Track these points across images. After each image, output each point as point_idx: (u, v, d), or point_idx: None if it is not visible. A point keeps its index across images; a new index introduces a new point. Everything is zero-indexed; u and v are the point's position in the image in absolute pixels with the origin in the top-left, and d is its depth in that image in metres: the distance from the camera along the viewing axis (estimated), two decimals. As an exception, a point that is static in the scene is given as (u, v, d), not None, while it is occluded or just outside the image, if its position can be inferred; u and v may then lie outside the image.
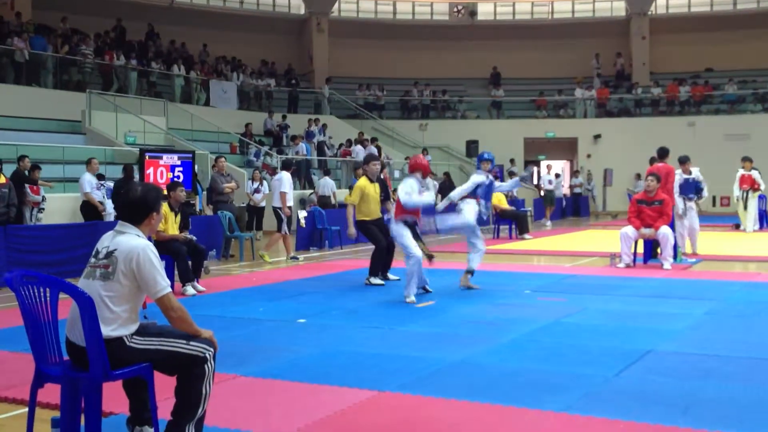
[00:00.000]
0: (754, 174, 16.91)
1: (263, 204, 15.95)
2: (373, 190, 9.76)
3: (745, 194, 16.87)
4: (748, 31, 29.84)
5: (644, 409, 4.37)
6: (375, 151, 23.94)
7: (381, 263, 9.71)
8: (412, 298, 8.17)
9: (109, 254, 3.62)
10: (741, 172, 16.98)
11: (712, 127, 27.02)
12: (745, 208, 17.01)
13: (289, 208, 12.75)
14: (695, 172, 12.54)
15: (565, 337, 6.39)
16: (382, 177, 10.39)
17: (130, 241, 3.63)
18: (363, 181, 9.81)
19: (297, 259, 12.66)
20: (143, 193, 3.77)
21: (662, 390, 4.78)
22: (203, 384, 3.61)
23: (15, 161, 13.22)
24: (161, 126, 19.82)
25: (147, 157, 13.06)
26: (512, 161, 26.59)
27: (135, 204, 3.74)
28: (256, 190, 15.56)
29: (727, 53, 29.93)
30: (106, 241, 3.71)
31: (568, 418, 4.27)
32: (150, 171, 12.96)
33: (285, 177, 12.70)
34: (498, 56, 31.20)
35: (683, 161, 12.54)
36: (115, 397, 4.08)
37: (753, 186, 16.79)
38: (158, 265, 3.63)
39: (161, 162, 13.22)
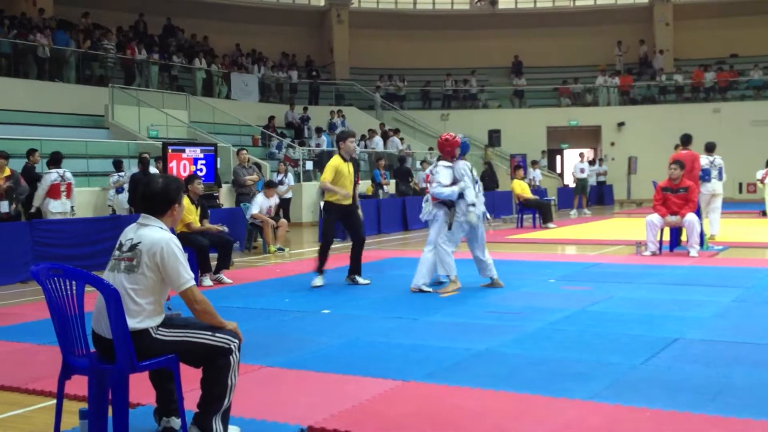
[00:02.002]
0: None
1: (289, 195, 16.07)
2: (347, 169, 8.78)
3: None
4: (773, 15, 29.39)
5: (672, 397, 4.33)
6: (398, 143, 23.93)
7: (325, 259, 8.87)
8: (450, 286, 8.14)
9: (133, 247, 3.63)
10: None
11: (737, 113, 26.68)
12: None
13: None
14: (717, 159, 12.90)
15: (590, 325, 6.34)
16: (356, 158, 9.52)
17: (153, 234, 3.64)
18: (336, 160, 8.80)
19: (282, 250, 12.54)
20: (165, 185, 3.77)
21: (690, 378, 4.73)
22: (228, 375, 3.62)
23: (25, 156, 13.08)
24: (183, 119, 19.94)
25: (170, 151, 13.14)
26: (543, 152, 26.45)
27: (157, 196, 3.74)
28: (281, 182, 15.62)
29: (751, 38, 29.49)
30: (129, 234, 3.72)
31: (595, 407, 4.24)
32: (173, 164, 13.04)
33: (258, 198, 12.66)
34: (519, 45, 30.99)
35: (710, 148, 13.03)
36: (141, 389, 4.11)
37: None
38: (182, 257, 3.64)
39: (184, 155, 13.29)
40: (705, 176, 13.11)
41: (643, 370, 4.96)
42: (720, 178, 13.59)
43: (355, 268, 8.98)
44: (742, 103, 27.65)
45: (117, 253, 3.71)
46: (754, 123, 25.58)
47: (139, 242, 3.63)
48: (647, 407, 4.17)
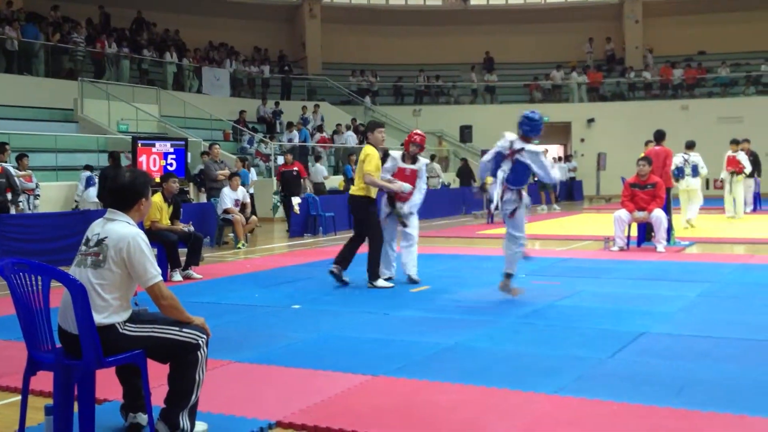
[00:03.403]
0: (740, 156, 16.10)
1: (251, 190, 15.76)
2: (379, 161, 8.31)
3: (731, 177, 16.01)
4: (740, 14, 29.80)
5: (638, 391, 4.38)
6: (353, 137, 23.97)
7: (379, 259, 8.28)
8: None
9: (100, 242, 3.60)
10: (728, 153, 16.20)
11: (705, 110, 27.05)
12: (731, 191, 16.12)
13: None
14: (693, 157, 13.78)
15: (559, 320, 6.41)
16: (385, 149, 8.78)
17: (120, 229, 3.61)
18: (372, 150, 8.27)
19: (239, 248, 12.47)
20: (131, 179, 3.74)
21: (656, 372, 4.80)
22: (196, 371, 3.61)
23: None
24: (154, 114, 19.75)
25: (139, 145, 13.02)
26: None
27: (124, 190, 3.71)
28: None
29: (719, 36, 29.90)
30: (96, 229, 3.69)
31: (562, 400, 4.28)
32: (143, 159, 12.93)
33: (225, 191, 12.62)
34: (491, 41, 31.11)
35: (689, 146, 14.11)
36: (108, 384, 4.07)
37: (738, 169, 15.93)
38: (149, 253, 3.61)
39: (154, 150, 13.20)
40: (679, 174, 13.66)
41: (610, 364, 5.02)
42: (694, 174, 13.94)
43: (344, 260, 8.41)
44: (709, 100, 28.03)
45: (83, 248, 3.67)
46: (721, 120, 25.96)
47: (106, 237, 3.60)
48: (614, 401, 4.22)
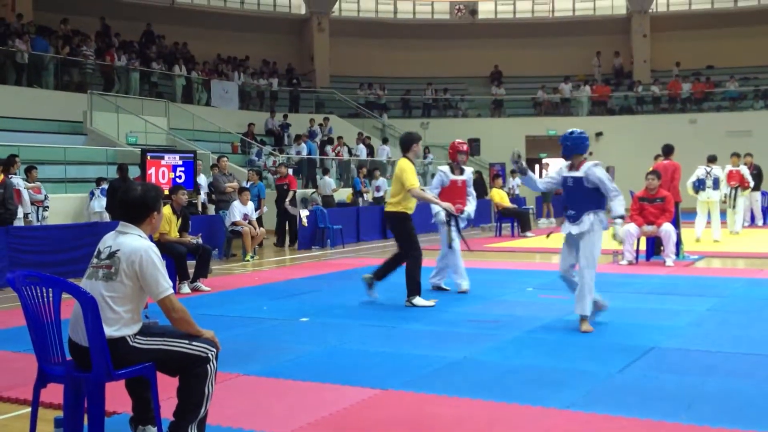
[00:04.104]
0: (743, 170, 15.85)
1: (266, 208, 15.78)
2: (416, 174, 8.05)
3: (733, 192, 15.54)
4: (749, 28, 29.79)
5: (647, 406, 4.37)
6: (388, 151, 24.10)
7: (418, 277, 7.90)
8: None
9: (112, 255, 3.62)
10: (728, 167, 15.80)
11: (713, 124, 26.99)
12: (734, 207, 15.68)
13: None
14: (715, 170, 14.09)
15: (567, 334, 6.39)
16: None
17: (132, 242, 3.63)
18: (409, 164, 7.94)
19: (247, 260, 12.47)
20: (143, 193, 3.76)
21: (665, 386, 4.78)
22: (206, 384, 3.61)
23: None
24: (162, 126, 19.85)
25: (148, 158, 13.07)
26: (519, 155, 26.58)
27: (135, 204, 3.73)
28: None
29: (728, 50, 29.87)
30: (108, 242, 3.71)
31: (571, 415, 4.27)
32: (152, 171, 12.97)
33: (235, 204, 12.70)
34: (499, 55, 31.17)
35: (710, 159, 14.35)
36: (118, 397, 4.08)
37: (742, 183, 15.64)
38: (161, 266, 3.63)
39: (163, 162, 13.22)
40: (700, 186, 13.75)
41: (619, 379, 5.00)
42: (715, 188, 13.96)
43: (382, 274, 8.14)
44: (718, 114, 27.98)
45: (95, 260, 3.69)
46: (729, 134, 25.88)
47: (118, 250, 3.62)
48: (623, 415, 4.21)
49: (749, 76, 29.10)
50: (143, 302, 3.71)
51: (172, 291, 3.63)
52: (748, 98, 28.63)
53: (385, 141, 25.13)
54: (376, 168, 20.32)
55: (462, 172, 8.81)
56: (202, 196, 14.72)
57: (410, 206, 8.03)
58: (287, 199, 15.05)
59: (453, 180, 8.73)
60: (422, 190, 8.21)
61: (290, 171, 17.91)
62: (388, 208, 8.15)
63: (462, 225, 8.71)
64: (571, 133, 6.75)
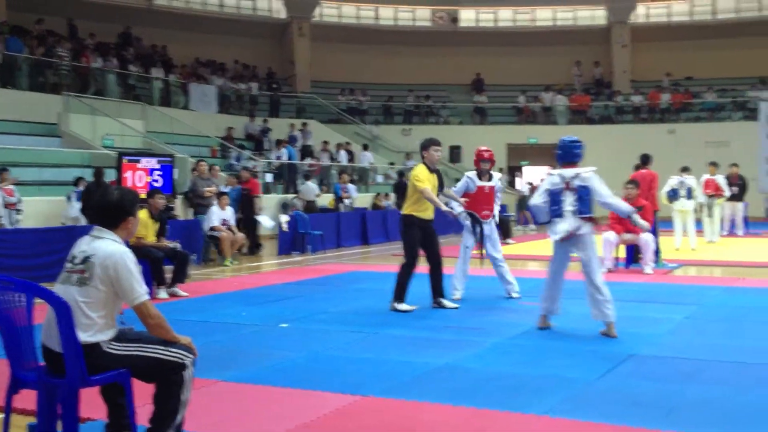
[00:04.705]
0: (719, 179, 16.01)
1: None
2: (433, 180, 7.95)
3: (709, 200, 15.72)
4: (727, 40, 30.13)
5: (626, 413, 4.37)
6: (369, 157, 24.13)
7: (406, 284, 7.95)
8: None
9: (86, 259, 3.56)
10: (705, 176, 16.03)
11: (692, 134, 27.25)
12: (710, 215, 15.87)
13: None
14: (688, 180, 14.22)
15: (547, 340, 6.40)
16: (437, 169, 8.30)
17: (107, 247, 3.57)
18: (423, 169, 7.92)
19: (226, 266, 12.40)
20: (119, 197, 3.71)
21: (644, 394, 4.79)
22: (182, 391, 3.56)
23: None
24: (139, 129, 19.67)
25: (125, 161, 12.96)
26: (501, 170, 26.67)
27: (111, 208, 3.68)
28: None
29: (706, 62, 30.19)
30: (82, 246, 3.64)
31: (550, 422, 4.27)
32: (128, 175, 12.86)
33: (213, 209, 12.61)
34: (481, 62, 31.28)
35: (684, 169, 14.48)
36: (92, 403, 4.00)
37: (717, 192, 15.84)
38: (136, 271, 3.57)
39: (139, 165, 13.14)
40: (674, 195, 13.92)
41: (599, 386, 5.00)
42: (689, 197, 14.10)
43: (439, 290, 8.10)
44: (696, 125, 28.25)
45: (69, 265, 3.62)
46: (707, 144, 26.14)
47: (92, 255, 3.56)
48: (602, 422, 4.21)
49: (727, 87, 29.44)
50: (118, 308, 3.66)
51: (147, 297, 3.58)
52: (726, 109, 28.95)
53: (365, 147, 25.13)
54: (344, 172, 20.31)
55: (490, 178, 8.75)
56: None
57: (422, 210, 7.93)
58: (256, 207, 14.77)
59: (480, 186, 8.69)
60: (446, 192, 8.30)
61: (259, 176, 17.78)
62: (402, 211, 8.18)
63: (486, 232, 8.71)
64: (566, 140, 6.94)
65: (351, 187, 19.52)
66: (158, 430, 3.56)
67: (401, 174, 22.74)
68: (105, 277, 3.51)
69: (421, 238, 8.01)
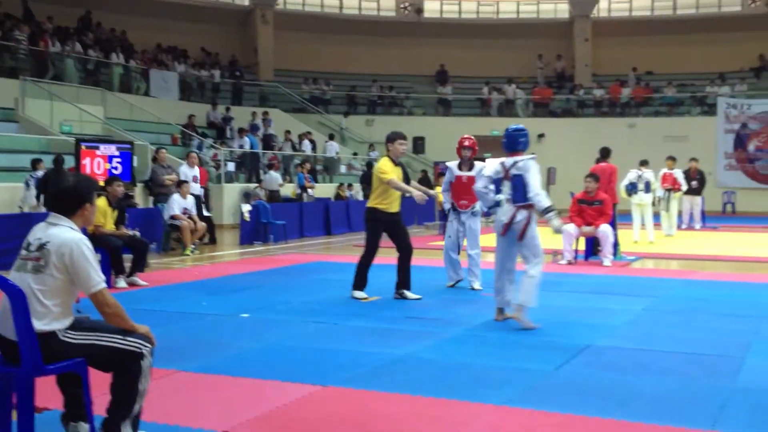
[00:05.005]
0: (676, 173, 16.32)
1: (198, 191, 14.38)
2: (398, 173, 8.01)
3: (667, 194, 16.03)
4: (687, 36, 30.60)
5: (582, 403, 4.44)
6: (336, 147, 24.08)
7: (365, 273, 8.06)
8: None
9: (41, 246, 3.50)
10: (663, 170, 16.20)
11: (651, 128, 27.66)
12: (668, 209, 16.17)
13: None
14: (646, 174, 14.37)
15: (507, 332, 6.46)
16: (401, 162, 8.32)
17: (63, 234, 3.51)
18: (388, 162, 7.98)
19: (187, 255, 12.31)
20: (75, 183, 3.65)
21: (601, 384, 4.87)
22: (139, 380, 3.53)
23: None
24: (99, 115, 19.34)
25: (83, 147, 12.74)
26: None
27: (67, 195, 3.61)
28: (194, 179, 14.12)
29: (666, 57, 30.64)
30: (38, 233, 3.58)
31: (509, 411, 4.32)
32: (86, 161, 12.65)
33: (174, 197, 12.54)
34: (444, 54, 31.35)
35: (642, 163, 14.60)
36: (48, 393, 3.95)
37: (674, 186, 16.16)
38: (92, 259, 3.52)
39: (98, 152, 12.93)
40: (632, 189, 14.15)
41: (557, 376, 5.07)
42: (647, 191, 14.33)
43: (405, 281, 8.10)
44: (655, 119, 28.69)
45: (24, 252, 3.56)
46: (666, 138, 26.55)
47: (48, 242, 3.50)
48: (560, 412, 4.28)
49: (686, 82, 29.92)
50: (74, 296, 3.60)
51: (104, 285, 3.53)
52: (685, 104, 29.43)
53: (331, 137, 25.05)
54: (306, 161, 20.20)
55: (471, 167, 8.76)
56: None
57: (387, 204, 7.98)
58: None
59: (458, 176, 8.78)
60: (413, 185, 8.29)
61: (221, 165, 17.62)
62: (368, 203, 8.21)
63: (467, 220, 8.86)
64: (509, 129, 6.94)
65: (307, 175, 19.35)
66: (115, 419, 3.52)
67: (369, 165, 22.97)
68: (60, 265, 3.46)
69: (390, 230, 8.07)
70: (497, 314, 6.98)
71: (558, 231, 6.88)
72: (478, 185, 7.03)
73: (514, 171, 6.70)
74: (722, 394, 4.67)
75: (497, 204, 6.84)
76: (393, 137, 8.15)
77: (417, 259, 9.28)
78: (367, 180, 22.50)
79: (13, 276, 3.50)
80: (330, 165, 24.33)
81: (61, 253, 3.46)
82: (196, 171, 13.95)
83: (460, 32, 32.02)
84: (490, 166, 7.08)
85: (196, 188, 13.84)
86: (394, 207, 8.07)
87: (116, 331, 3.56)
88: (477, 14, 33.11)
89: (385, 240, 8.20)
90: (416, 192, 7.95)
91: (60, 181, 3.73)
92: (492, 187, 6.90)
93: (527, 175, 6.62)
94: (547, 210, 6.61)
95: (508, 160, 6.78)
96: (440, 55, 31.34)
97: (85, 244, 3.52)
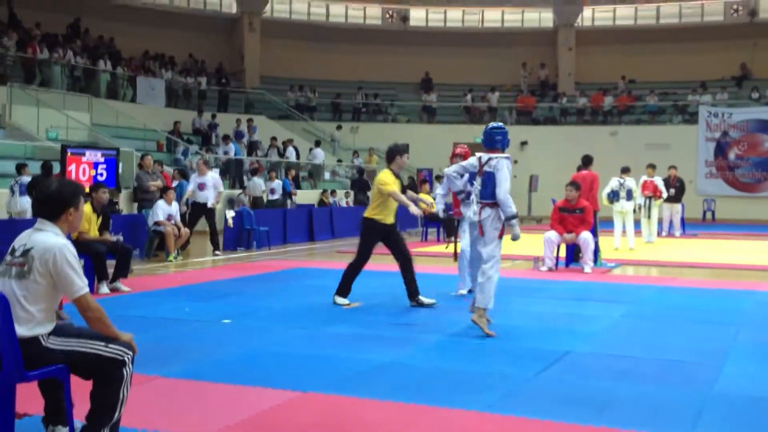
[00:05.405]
0: (657, 180, 16.37)
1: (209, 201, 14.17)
2: (397, 187, 8.15)
3: (647, 201, 16.11)
4: (669, 45, 30.89)
5: (561, 409, 4.49)
6: (321, 155, 24.09)
7: (352, 280, 8.16)
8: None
9: (26, 252, 3.52)
10: (644, 178, 16.20)
11: (633, 136, 27.89)
12: (648, 216, 16.26)
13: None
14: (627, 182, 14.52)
15: (487, 338, 6.50)
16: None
17: (47, 240, 3.53)
18: (390, 175, 8.08)
19: (170, 261, 12.28)
20: (58, 188, 3.67)
21: (579, 390, 4.92)
22: (120, 388, 3.54)
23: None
24: (85, 122, 19.30)
25: (69, 153, 12.71)
26: None
27: (50, 199, 3.64)
28: (202, 186, 13.90)
29: (649, 66, 30.91)
30: (23, 239, 3.61)
31: (489, 417, 4.36)
32: (72, 168, 12.62)
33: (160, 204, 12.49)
34: (429, 62, 31.48)
35: (624, 170, 14.76)
36: (29, 398, 3.96)
37: (655, 193, 16.22)
38: (76, 264, 3.54)
39: (84, 159, 12.89)
40: (614, 197, 14.27)
41: (536, 382, 5.13)
42: (628, 198, 14.47)
43: (415, 289, 8.13)
44: (637, 127, 28.93)
45: (9, 258, 3.59)
46: (648, 146, 26.78)
47: (32, 248, 3.52)
48: (539, 418, 4.32)
49: (668, 91, 30.19)
50: (57, 301, 3.63)
51: (87, 290, 3.55)
52: (667, 112, 29.70)
53: (317, 144, 25.05)
54: (273, 169, 20.16)
55: None
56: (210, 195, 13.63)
57: (384, 216, 8.08)
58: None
59: None
60: (410, 195, 8.44)
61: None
62: (364, 213, 8.25)
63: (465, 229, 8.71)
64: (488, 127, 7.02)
65: (278, 183, 19.09)
66: (95, 426, 3.54)
67: (361, 171, 23.13)
68: (44, 270, 3.48)
69: (385, 239, 8.16)
70: (471, 306, 7.08)
71: (516, 239, 6.94)
72: (450, 169, 7.17)
73: (486, 168, 6.77)
74: (700, 401, 4.73)
75: (465, 194, 6.94)
76: (394, 151, 8.17)
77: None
78: (358, 186, 22.57)
79: (-4, 282, 3.52)
80: (315, 172, 24.33)
81: (45, 259, 3.48)
82: (206, 178, 13.60)
83: (445, 40, 32.18)
84: (469, 160, 7.16)
85: (210, 197, 13.49)
86: (390, 218, 8.17)
87: (99, 338, 3.57)
88: (462, 23, 33.29)
89: (379, 247, 8.27)
90: (413, 208, 8.06)
91: (44, 186, 3.74)
92: (466, 176, 7.02)
93: (498, 174, 6.67)
94: (512, 217, 6.68)
95: (485, 156, 6.87)
96: (425, 63, 31.47)
97: (69, 250, 3.54)
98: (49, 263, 3.48)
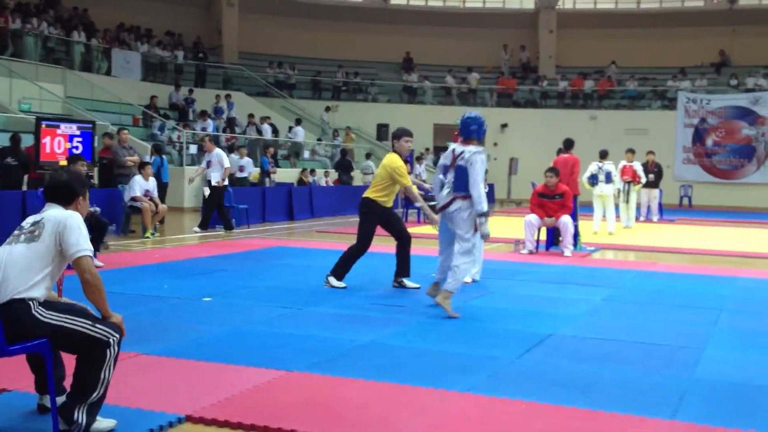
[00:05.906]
0: (636, 165, 16.38)
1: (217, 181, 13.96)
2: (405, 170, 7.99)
3: (626, 186, 16.12)
4: (650, 30, 31.03)
5: (545, 391, 4.50)
6: (302, 133, 23.91)
7: (351, 264, 8.03)
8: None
9: (36, 222, 3.62)
10: (623, 163, 16.18)
11: (613, 121, 28.03)
12: (627, 201, 16.30)
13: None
14: (606, 165, 14.49)
15: (470, 320, 6.50)
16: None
17: (59, 212, 3.66)
18: (399, 159, 7.87)
19: (147, 237, 12.17)
20: (70, 178, 3.81)
21: (562, 372, 4.94)
22: (102, 369, 3.52)
23: None
24: (59, 94, 18.97)
25: (43, 126, 12.48)
26: (427, 149, 26.86)
27: (64, 188, 3.77)
28: (209, 164, 13.82)
29: (629, 51, 31.02)
30: (34, 217, 3.71)
31: (472, 398, 4.35)
32: (47, 140, 12.39)
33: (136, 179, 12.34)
34: (411, 42, 31.33)
35: (602, 155, 14.72)
36: (10, 374, 3.89)
37: (634, 178, 16.24)
38: (84, 230, 3.60)
39: (59, 131, 12.65)
40: (593, 181, 14.34)
41: (519, 364, 5.13)
42: (608, 182, 14.53)
43: (404, 269, 8.06)
44: (617, 112, 29.06)
45: (16, 232, 3.65)
46: (627, 131, 26.94)
47: (43, 218, 3.63)
48: (522, 399, 4.32)
49: (648, 76, 30.34)
50: (60, 270, 3.66)
51: (91, 253, 3.59)
52: (646, 98, 29.87)
53: (298, 122, 24.88)
54: (242, 146, 19.96)
55: None
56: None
57: (386, 198, 7.97)
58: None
59: None
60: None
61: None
62: (365, 194, 8.07)
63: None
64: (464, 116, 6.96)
65: (247, 160, 18.70)
66: (73, 403, 3.52)
67: (344, 152, 23.01)
68: (54, 233, 3.55)
69: (384, 221, 8.06)
70: (431, 287, 7.05)
71: (486, 238, 6.84)
72: (437, 173, 7.07)
73: (459, 161, 6.72)
74: (681, 385, 4.75)
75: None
76: (400, 134, 7.98)
77: (384, 247, 9.31)
78: (342, 166, 22.45)
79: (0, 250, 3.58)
80: (295, 150, 24.17)
81: (56, 222, 3.57)
82: (212, 155, 13.51)
83: (426, 20, 32.02)
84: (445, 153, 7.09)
85: (215, 176, 13.37)
86: (391, 202, 8.09)
87: (88, 316, 3.57)
88: (443, 2, 33.13)
89: (353, 225, 8.20)
90: (432, 215, 7.77)
91: (55, 174, 3.89)
92: (441, 176, 6.95)
93: (471, 169, 6.61)
94: (482, 214, 6.58)
95: (458, 148, 6.82)
96: (406, 43, 31.31)
97: (79, 218, 3.66)
98: (59, 226, 3.56)
